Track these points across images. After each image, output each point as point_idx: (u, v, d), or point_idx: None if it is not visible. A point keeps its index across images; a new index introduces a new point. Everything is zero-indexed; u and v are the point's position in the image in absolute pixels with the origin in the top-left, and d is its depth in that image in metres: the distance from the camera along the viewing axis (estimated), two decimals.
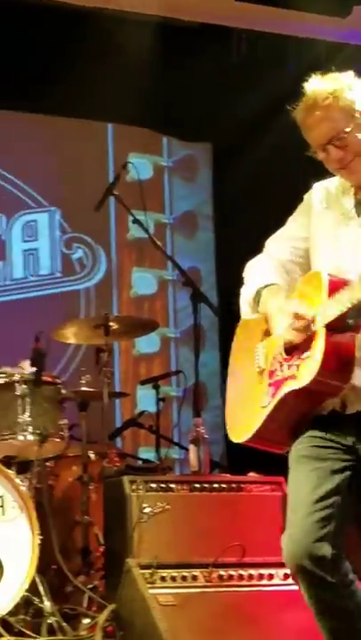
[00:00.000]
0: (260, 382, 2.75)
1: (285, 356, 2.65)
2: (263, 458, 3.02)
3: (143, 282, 7.18)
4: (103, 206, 5.13)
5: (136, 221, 5.08)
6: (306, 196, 2.85)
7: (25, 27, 6.32)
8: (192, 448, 4.40)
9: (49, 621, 3.98)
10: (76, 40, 6.25)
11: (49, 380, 4.56)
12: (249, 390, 2.81)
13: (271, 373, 2.71)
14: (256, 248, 2.94)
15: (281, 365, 2.67)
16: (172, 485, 4.06)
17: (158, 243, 5.19)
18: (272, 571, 3.88)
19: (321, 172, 2.78)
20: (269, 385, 2.70)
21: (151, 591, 3.68)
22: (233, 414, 2.90)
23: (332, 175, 2.76)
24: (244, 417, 2.79)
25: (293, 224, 2.86)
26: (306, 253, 2.79)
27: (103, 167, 6.90)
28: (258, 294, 2.76)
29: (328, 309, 2.53)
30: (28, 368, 4.55)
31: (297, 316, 2.58)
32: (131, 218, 5.17)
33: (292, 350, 2.63)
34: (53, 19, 6.29)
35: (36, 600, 4.02)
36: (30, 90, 6.47)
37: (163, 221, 7.24)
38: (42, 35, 6.39)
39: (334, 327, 2.53)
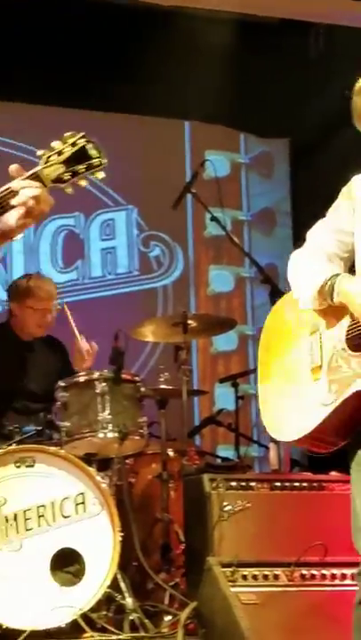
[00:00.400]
0: (315, 379, 2.68)
1: (353, 353, 2.59)
2: (343, 457, 2.99)
3: (220, 279, 7.19)
4: (180, 204, 5.15)
5: (214, 219, 5.10)
6: (345, 189, 2.78)
7: (101, 27, 6.39)
8: (272, 446, 4.40)
9: (131, 618, 4.02)
10: (152, 39, 6.29)
11: (128, 378, 4.59)
12: (299, 387, 2.74)
13: (333, 370, 2.63)
14: None
15: (347, 362, 2.59)
16: (253, 484, 4.06)
17: (236, 240, 5.20)
18: (354, 570, 3.84)
19: None
20: (331, 382, 2.63)
21: (233, 589, 3.69)
22: (277, 411, 2.83)
23: None
24: (296, 415, 2.73)
25: (338, 217, 2.77)
26: (351, 248, 2.70)
27: (180, 165, 6.93)
28: (329, 284, 2.65)
29: None
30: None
31: None
32: (208, 215, 5.18)
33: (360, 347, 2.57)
34: (128, 18, 6.34)
35: (118, 596, 4.07)
36: (108, 89, 6.53)
37: (240, 218, 7.24)
38: (118, 34, 6.45)
39: None
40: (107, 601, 4.04)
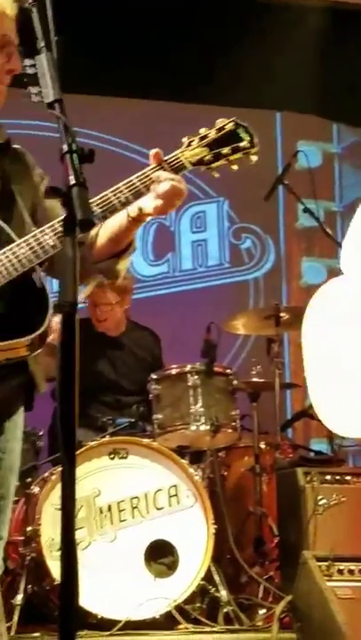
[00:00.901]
0: None
1: None
2: None
3: (313, 271, 7.13)
4: (272, 195, 5.13)
5: (307, 210, 5.07)
6: None
7: (190, 18, 6.40)
8: None
9: (225, 610, 4.04)
10: (242, 28, 6.27)
11: (220, 370, 4.60)
12: None
13: None
14: None
15: None
16: (348, 477, 4.04)
17: (329, 231, 5.15)
18: None
19: None
20: None
21: (329, 584, 3.68)
22: (338, 405, 2.78)
23: None
24: None
25: None
26: None
27: (272, 156, 6.89)
28: None
29: None
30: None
31: None
32: (301, 207, 5.16)
33: None
34: (219, 8, 6.34)
35: (212, 589, 4.08)
36: (199, 80, 6.53)
37: (333, 209, 7.17)
38: (207, 24, 6.45)
39: None
40: (201, 593, 4.07)
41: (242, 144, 2.37)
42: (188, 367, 4.53)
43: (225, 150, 2.37)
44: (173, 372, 4.56)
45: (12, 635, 3.66)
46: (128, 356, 5.09)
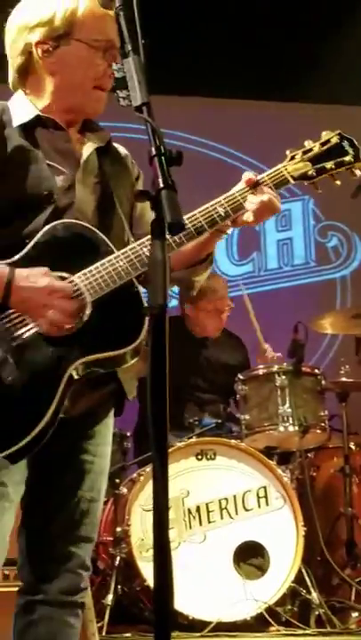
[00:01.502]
0: None
1: None
2: None
3: None
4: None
5: None
6: None
7: (284, 15, 6.38)
8: None
9: (317, 613, 4.02)
10: (336, 25, 6.25)
11: (309, 370, 4.58)
12: None
13: None
14: None
15: None
16: None
17: None
18: None
19: None
20: None
21: None
22: None
23: None
24: None
25: None
26: None
27: None
28: None
29: None
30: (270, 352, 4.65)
31: None
32: None
33: None
34: (314, 5, 6.33)
35: (303, 591, 4.07)
36: (292, 79, 6.49)
37: None
38: (300, 22, 6.42)
39: None
40: (292, 595, 4.06)
41: (346, 158, 2.34)
42: (276, 367, 4.52)
43: (329, 165, 2.34)
44: (261, 372, 4.56)
45: (102, 635, 3.70)
46: (214, 356, 5.11)
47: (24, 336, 2.19)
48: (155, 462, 1.68)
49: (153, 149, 1.76)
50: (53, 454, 2.25)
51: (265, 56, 6.38)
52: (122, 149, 2.50)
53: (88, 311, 2.20)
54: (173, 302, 5.31)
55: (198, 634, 3.81)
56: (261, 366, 4.62)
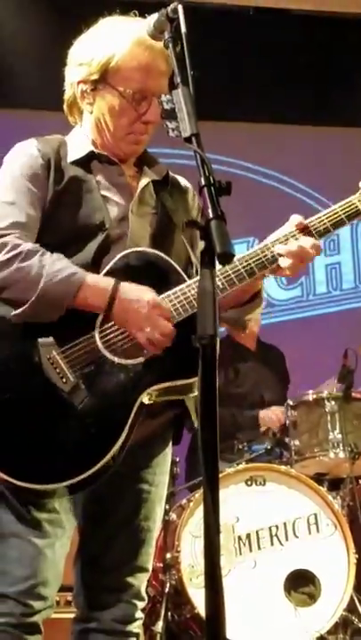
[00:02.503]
0: None
1: None
2: None
3: None
4: None
5: None
6: None
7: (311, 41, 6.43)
8: None
9: None
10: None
11: (358, 396, 4.56)
12: None
13: None
14: None
15: None
16: None
17: None
18: None
19: None
20: None
21: None
22: None
23: None
24: None
25: None
26: None
27: None
28: None
29: None
30: (334, 385, 4.61)
31: None
32: None
33: None
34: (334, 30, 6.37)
35: (355, 619, 4.03)
36: (322, 104, 6.52)
37: None
38: (326, 47, 6.46)
39: None
40: (343, 624, 4.02)
41: None
42: (325, 393, 4.51)
43: None
44: (310, 397, 4.55)
45: None
46: (260, 369, 5.16)
47: (95, 363, 2.21)
48: (205, 488, 1.69)
49: (202, 180, 1.78)
50: (111, 483, 2.26)
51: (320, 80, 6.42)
52: (183, 181, 2.53)
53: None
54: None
55: None
56: (311, 392, 4.61)
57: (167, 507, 4.33)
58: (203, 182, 1.78)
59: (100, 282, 2.21)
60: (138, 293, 2.22)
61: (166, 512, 4.31)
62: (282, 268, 2.28)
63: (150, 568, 2.41)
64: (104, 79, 2.35)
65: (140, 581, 2.38)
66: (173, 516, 4.27)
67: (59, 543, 2.28)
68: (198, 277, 2.24)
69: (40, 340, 2.21)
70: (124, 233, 2.34)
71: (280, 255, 2.28)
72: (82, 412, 2.19)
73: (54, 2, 5.94)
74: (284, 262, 2.27)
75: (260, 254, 2.29)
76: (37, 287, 2.17)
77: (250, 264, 2.28)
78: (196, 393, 2.27)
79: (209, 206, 1.74)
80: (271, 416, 4.89)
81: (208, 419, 1.69)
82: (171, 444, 2.43)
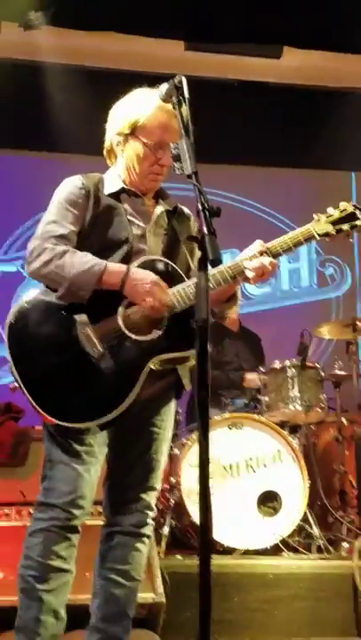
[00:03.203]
0: None
1: None
2: None
3: None
4: (349, 235, 5.04)
5: None
6: None
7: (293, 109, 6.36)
8: None
9: (317, 544, 3.98)
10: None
11: (311, 365, 4.54)
12: None
13: None
14: None
15: None
16: None
17: None
18: None
19: None
20: None
21: None
22: None
23: None
24: None
25: None
26: None
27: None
28: None
29: None
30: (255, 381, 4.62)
31: None
32: None
33: None
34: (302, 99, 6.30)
35: (307, 527, 4.03)
36: (297, 149, 6.44)
37: None
38: (291, 110, 6.41)
39: None
40: (299, 530, 4.02)
41: (358, 222, 2.32)
42: (288, 362, 4.49)
43: (345, 227, 2.32)
44: (277, 366, 4.54)
45: (160, 557, 3.70)
46: (239, 345, 5.14)
47: (118, 338, 2.22)
48: (199, 431, 1.69)
49: (199, 205, 1.79)
50: (131, 426, 2.29)
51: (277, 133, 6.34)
52: (186, 210, 2.51)
53: (177, 310, 2.24)
54: None
55: (230, 556, 3.79)
56: (277, 361, 4.59)
57: (172, 444, 4.33)
58: (200, 207, 1.79)
59: (116, 267, 2.23)
60: (143, 274, 2.23)
61: (171, 448, 4.30)
62: (248, 278, 2.28)
63: (159, 488, 2.41)
64: (133, 133, 2.35)
65: (151, 497, 2.38)
66: (176, 450, 4.26)
67: (93, 469, 2.28)
68: (195, 278, 2.26)
69: (77, 318, 2.21)
70: (143, 247, 2.34)
71: (246, 269, 2.28)
72: (107, 372, 2.20)
73: (99, 80, 5.84)
74: (249, 274, 2.27)
75: (234, 267, 2.29)
76: (71, 275, 2.19)
77: (228, 272, 2.28)
78: (189, 363, 2.29)
79: (204, 225, 1.75)
80: (253, 377, 4.88)
81: (202, 382, 1.69)
82: (174, 398, 2.43)
